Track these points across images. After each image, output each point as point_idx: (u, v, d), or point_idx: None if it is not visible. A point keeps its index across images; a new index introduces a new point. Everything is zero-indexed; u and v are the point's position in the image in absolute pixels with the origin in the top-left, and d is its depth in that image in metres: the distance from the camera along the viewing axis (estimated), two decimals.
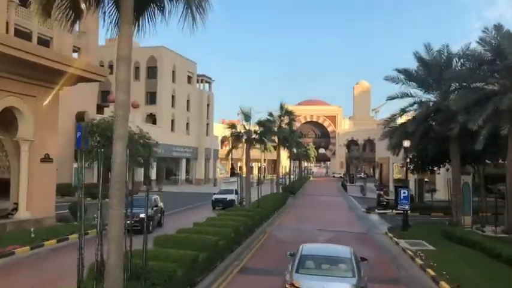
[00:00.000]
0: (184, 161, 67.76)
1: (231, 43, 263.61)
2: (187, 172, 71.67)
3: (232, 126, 25.28)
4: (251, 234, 20.79)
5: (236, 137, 25.22)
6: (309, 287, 9.21)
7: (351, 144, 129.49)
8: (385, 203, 36.06)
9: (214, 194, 35.25)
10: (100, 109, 50.68)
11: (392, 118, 27.35)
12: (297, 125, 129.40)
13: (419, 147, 28.12)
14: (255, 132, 24.80)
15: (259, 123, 25.41)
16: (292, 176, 66.74)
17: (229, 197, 33.01)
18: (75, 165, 42.91)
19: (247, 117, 24.59)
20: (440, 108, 24.81)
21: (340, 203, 45.49)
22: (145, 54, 61.65)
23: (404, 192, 24.92)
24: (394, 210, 35.53)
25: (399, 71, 27.68)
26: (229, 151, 26.24)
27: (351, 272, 9.68)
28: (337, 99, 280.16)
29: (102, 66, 62.14)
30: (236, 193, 33.64)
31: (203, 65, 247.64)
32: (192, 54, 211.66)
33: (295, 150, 74.92)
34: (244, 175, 61.92)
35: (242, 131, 24.89)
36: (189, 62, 69.34)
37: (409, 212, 25.86)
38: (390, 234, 23.49)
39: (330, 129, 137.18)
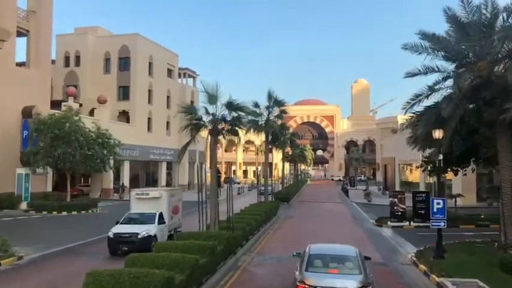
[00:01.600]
0: (164, 165, 60.08)
1: (224, 43, 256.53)
2: (169, 177, 64.00)
3: (190, 110, 17.42)
4: (210, 276, 13.22)
5: (196, 126, 17.46)
6: (319, 285, 9.54)
7: (350, 145, 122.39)
8: (400, 213, 28.53)
9: (118, 222, 19.04)
10: (58, 105, 43.08)
11: (417, 99, 19.79)
12: (293, 125, 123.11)
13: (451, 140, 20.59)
14: (224, 120, 17.09)
15: (229, 105, 17.35)
16: (286, 180, 59.18)
17: (142, 230, 17.51)
18: (19, 170, 35.12)
19: (212, 98, 16.98)
20: (491, 81, 17.29)
21: (342, 213, 37.87)
22: (117, 43, 54.08)
23: (438, 203, 17.36)
24: (412, 222, 28.14)
25: (424, 35, 20.22)
26: (187, 144, 18.15)
27: (357, 269, 10.09)
28: (335, 99, 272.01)
29: (68, 57, 54.72)
30: (161, 221, 18.91)
31: (197, 64, 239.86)
32: (185, 54, 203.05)
33: (290, 152, 67.53)
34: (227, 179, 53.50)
35: (205, 117, 17.17)
36: (169, 53, 61.72)
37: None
38: (423, 267, 15.90)
39: (327, 129, 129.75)
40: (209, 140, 17.34)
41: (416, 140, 21.71)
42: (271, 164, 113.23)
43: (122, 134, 49.89)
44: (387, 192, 60.57)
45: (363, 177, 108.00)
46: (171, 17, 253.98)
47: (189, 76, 67.43)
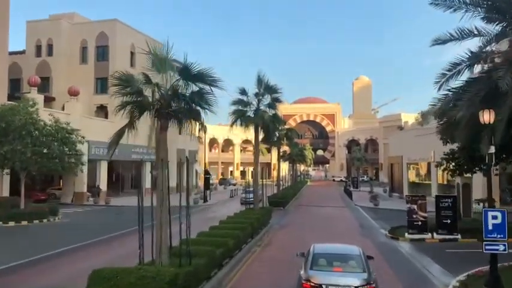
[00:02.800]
0: (149, 166, 54.40)
1: (221, 40, 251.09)
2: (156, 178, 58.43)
3: (126, 80, 11.79)
4: None
5: (138, 105, 11.93)
6: (323, 282, 9.67)
7: (352, 144, 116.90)
8: (420, 222, 22.96)
9: None
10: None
11: (455, 70, 14.34)
12: (292, 124, 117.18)
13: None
14: (177, 95, 11.39)
15: (185, 72, 11.40)
16: (282, 182, 53.51)
17: None
18: None
19: (160, 62, 11.56)
20: None
21: (347, 220, 32.34)
22: (94, 30, 48.63)
23: (495, 217, 11.85)
24: (436, 235, 22.61)
25: None
26: (120, 133, 12.45)
27: (361, 268, 10.23)
28: (336, 98, 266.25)
29: (39, 46, 49.25)
30: None
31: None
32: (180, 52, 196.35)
33: (288, 151, 61.97)
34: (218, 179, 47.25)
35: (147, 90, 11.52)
36: (154, 42, 55.91)
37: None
38: None
39: (328, 128, 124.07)
40: (155, 125, 11.74)
41: (453, 126, 16.04)
42: (269, 164, 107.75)
43: (99, 131, 44.38)
44: (394, 194, 55.25)
45: (365, 178, 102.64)
46: (167, 12, 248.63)
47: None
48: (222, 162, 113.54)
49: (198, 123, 12.14)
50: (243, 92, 26.78)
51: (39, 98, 36.65)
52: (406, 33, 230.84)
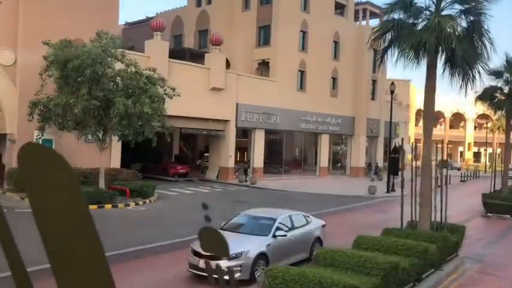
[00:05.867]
0: (326, 138, 42.68)
1: None
2: (342, 156, 46.49)
3: None
4: None
5: None
6: None
7: None
8: None
9: None
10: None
11: None
12: None
13: None
14: None
15: None
16: None
17: None
18: (36, 133, 23.05)
19: None
20: None
21: None
22: None
23: None
24: None
25: None
26: None
27: None
28: None
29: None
30: None
31: None
32: None
33: None
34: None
35: None
36: None
37: None
38: None
39: None
40: None
41: None
42: None
43: (252, 92, 35.08)
44: None
45: None
46: None
47: (372, 15, 47.50)
48: (449, 141, 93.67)
49: None
50: None
51: (163, 46, 28.86)
52: None
